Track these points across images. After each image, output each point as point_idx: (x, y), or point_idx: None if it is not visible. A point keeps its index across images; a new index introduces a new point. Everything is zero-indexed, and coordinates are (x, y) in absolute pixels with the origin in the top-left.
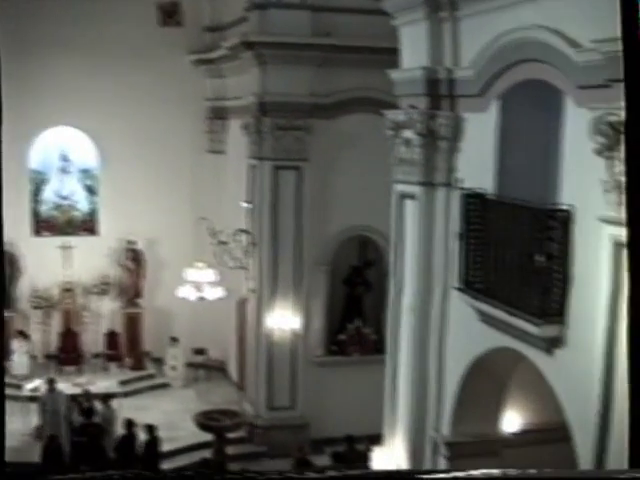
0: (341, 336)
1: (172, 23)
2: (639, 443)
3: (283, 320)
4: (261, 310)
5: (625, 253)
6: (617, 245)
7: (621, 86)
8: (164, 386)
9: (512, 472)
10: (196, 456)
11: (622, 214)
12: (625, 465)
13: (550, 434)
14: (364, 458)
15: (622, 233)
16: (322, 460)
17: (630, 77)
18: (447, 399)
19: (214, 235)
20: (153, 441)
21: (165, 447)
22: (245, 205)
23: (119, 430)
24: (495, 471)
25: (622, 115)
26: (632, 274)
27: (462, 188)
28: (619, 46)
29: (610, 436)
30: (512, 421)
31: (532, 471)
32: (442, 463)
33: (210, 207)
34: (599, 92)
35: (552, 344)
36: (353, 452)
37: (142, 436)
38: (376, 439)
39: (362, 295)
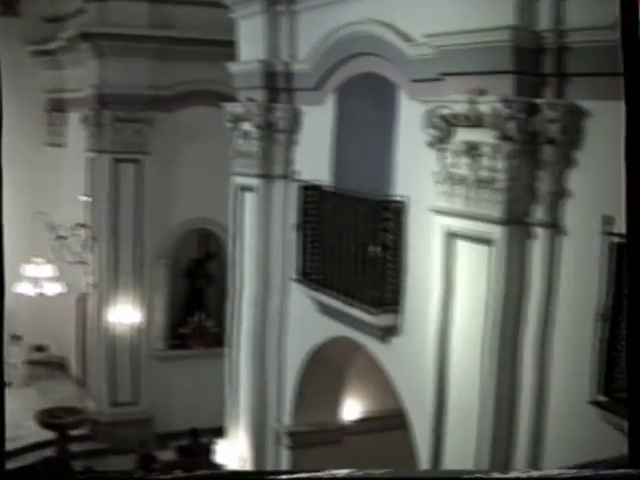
0: (183, 329)
1: (10, 13)
2: (639, 443)
3: (124, 315)
4: (102, 305)
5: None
6: (448, 235)
7: (453, 79)
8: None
9: (358, 473)
10: (39, 455)
11: (454, 205)
12: (464, 452)
13: (390, 421)
14: (208, 451)
15: (452, 223)
16: (167, 454)
17: (630, 77)
18: (287, 389)
19: (52, 229)
20: None
21: (7, 446)
22: (84, 199)
23: None
24: (341, 472)
25: (455, 108)
26: (632, 274)
27: (299, 180)
28: (450, 40)
29: (445, 423)
30: (352, 409)
31: (376, 472)
32: (284, 453)
33: (49, 201)
34: (431, 85)
35: (387, 333)
36: (197, 445)
37: None
38: (220, 431)
39: (204, 288)
